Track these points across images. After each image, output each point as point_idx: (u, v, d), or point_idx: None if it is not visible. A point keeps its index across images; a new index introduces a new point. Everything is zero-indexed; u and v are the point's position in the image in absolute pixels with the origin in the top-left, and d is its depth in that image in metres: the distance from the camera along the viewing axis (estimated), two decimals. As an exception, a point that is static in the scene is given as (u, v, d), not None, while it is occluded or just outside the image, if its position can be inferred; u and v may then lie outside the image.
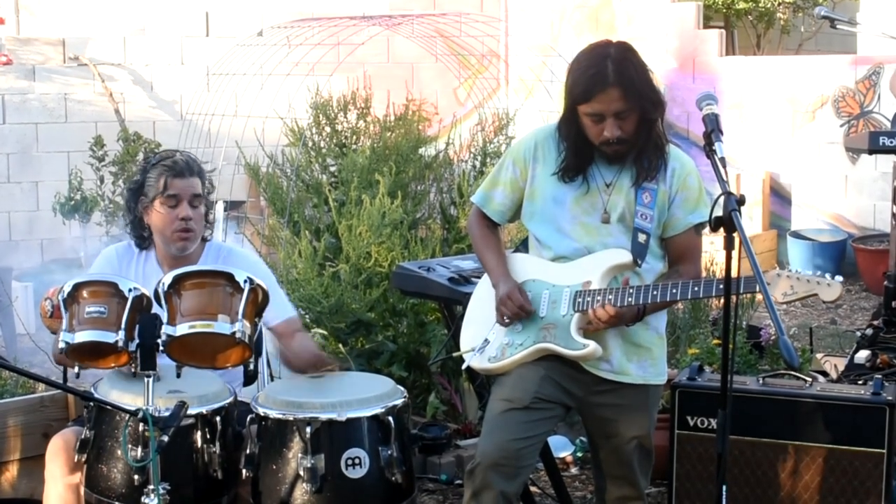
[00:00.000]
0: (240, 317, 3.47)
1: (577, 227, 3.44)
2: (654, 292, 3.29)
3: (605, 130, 3.30)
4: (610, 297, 3.32)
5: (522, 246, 3.68)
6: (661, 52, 10.64)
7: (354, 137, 6.24)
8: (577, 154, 3.40)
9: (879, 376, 4.53)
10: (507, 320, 3.48)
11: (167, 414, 3.24)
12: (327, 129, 6.23)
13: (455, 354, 3.73)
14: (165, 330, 3.34)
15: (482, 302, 3.63)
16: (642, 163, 3.38)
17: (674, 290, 3.27)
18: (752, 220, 10.27)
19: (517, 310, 3.44)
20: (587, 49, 3.39)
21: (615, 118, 3.29)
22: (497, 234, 3.65)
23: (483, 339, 3.53)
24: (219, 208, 5.90)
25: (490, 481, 3.34)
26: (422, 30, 7.94)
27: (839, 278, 3.18)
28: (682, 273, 3.43)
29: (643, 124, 3.34)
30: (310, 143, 6.20)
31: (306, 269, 5.44)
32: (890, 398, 4.05)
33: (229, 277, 3.55)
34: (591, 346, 3.37)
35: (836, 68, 10.03)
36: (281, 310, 3.94)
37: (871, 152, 5.58)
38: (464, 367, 3.63)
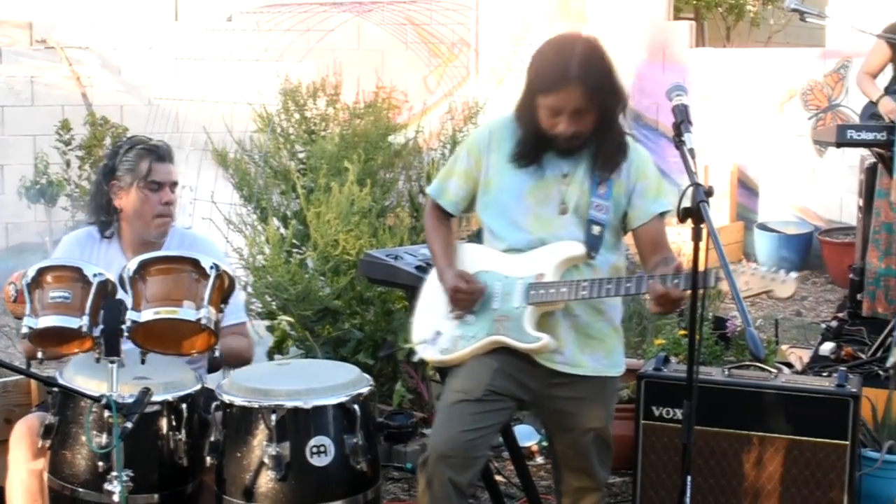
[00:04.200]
0: (205, 303, 3.46)
1: (531, 218, 3.42)
2: (608, 286, 3.28)
3: (559, 125, 3.29)
4: (563, 289, 3.32)
5: (476, 237, 3.66)
6: (631, 43, 10.67)
7: (323, 124, 6.24)
8: (534, 141, 3.37)
9: (844, 368, 4.54)
10: (462, 313, 3.46)
11: (131, 400, 3.23)
12: (296, 115, 6.22)
13: (407, 346, 3.72)
14: (130, 315, 3.32)
15: (433, 292, 3.60)
16: (599, 159, 3.37)
17: (628, 285, 3.27)
18: (719, 211, 10.32)
19: (469, 297, 3.43)
20: (555, 40, 3.37)
21: (572, 114, 3.27)
22: (448, 225, 3.62)
23: (434, 330, 3.51)
24: (185, 194, 5.90)
25: (441, 472, 3.33)
26: (392, 17, 7.92)
27: (794, 274, 3.20)
28: (669, 259, 3.38)
29: (601, 122, 3.32)
30: (278, 130, 6.18)
31: (273, 255, 5.42)
32: (854, 390, 4.09)
33: (195, 263, 3.54)
34: (545, 339, 3.37)
35: (804, 61, 10.10)
36: (234, 313, 3.94)
37: (839, 145, 5.64)
38: (416, 358, 3.61)
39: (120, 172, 3.93)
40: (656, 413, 4.23)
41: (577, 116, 3.27)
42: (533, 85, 3.32)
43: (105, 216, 4.00)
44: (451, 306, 3.48)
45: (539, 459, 5.21)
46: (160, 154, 3.93)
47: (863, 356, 5.50)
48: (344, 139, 5.99)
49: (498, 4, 11.44)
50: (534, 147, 3.38)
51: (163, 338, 3.52)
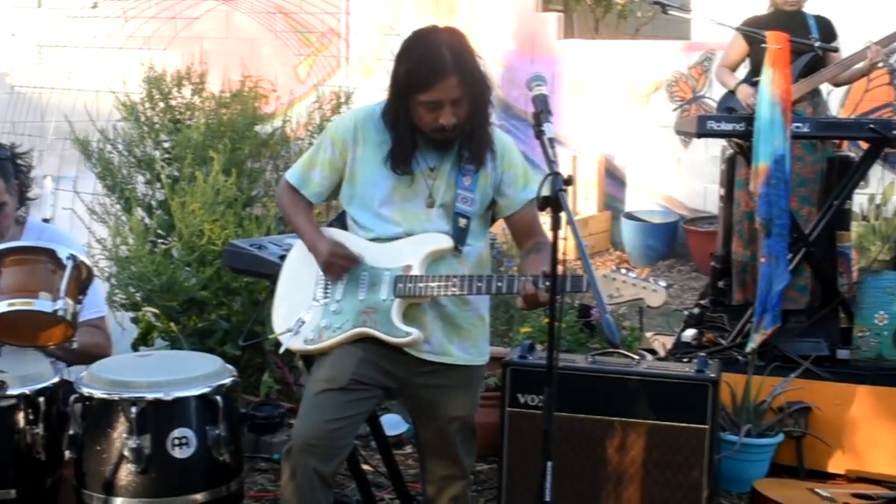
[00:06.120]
0: (62, 294, 3.46)
1: (398, 212, 3.43)
2: (479, 284, 3.31)
3: (440, 118, 3.28)
4: (433, 284, 3.34)
5: (337, 221, 3.64)
6: (501, 34, 10.78)
7: (189, 113, 6.16)
8: (407, 142, 3.37)
9: (703, 354, 4.66)
10: (342, 277, 3.45)
11: (-15, 394, 3.19)
12: (161, 104, 6.13)
13: (271, 336, 3.68)
14: (-16, 308, 3.28)
15: (293, 278, 3.59)
16: (470, 146, 3.39)
17: (499, 284, 3.31)
18: (587, 201, 10.50)
19: (346, 263, 3.43)
20: (418, 36, 3.36)
21: (451, 105, 3.27)
22: (307, 201, 3.59)
23: (297, 319, 3.49)
24: (47, 184, 5.80)
25: (305, 461, 3.33)
26: (261, 6, 7.85)
27: (663, 283, 3.25)
28: (542, 245, 3.43)
29: (474, 111, 3.34)
30: (142, 119, 6.08)
31: (137, 246, 5.36)
32: (713, 375, 4.18)
33: (51, 254, 3.54)
34: (415, 333, 3.38)
35: (670, 54, 10.32)
36: (92, 307, 3.91)
37: (699, 136, 5.70)
38: (281, 350, 3.58)
39: None
40: (521, 400, 4.27)
41: (455, 107, 3.28)
42: (406, 85, 3.29)
43: None
44: (330, 275, 3.46)
45: (408, 448, 5.23)
46: None
47: (723, 342, 5.60)
48: (210, 128, 5.93)
49: (368, -6, 11.47)
50: (407, 149, 3.37)
51: (19, 330, 3.51)
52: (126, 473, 3.38)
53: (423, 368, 3.48)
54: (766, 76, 5.27)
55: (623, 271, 3.27)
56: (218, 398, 3.46)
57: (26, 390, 3.43)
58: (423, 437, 3.67)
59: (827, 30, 6.03)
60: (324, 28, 8.81)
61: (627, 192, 10.60)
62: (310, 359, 3.67)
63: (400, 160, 3.38)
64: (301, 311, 3.50)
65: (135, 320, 5.42)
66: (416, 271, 3.37)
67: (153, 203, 5.92)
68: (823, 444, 4.98)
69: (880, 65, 6.22)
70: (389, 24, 10.21)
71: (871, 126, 5.41)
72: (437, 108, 3.28)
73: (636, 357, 4.43)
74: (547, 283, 3.07)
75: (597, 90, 10.49)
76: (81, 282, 3.62)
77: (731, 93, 6.12)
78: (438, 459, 3.64)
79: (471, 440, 3.63)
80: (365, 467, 4.49)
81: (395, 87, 3.33)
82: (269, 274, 3.97)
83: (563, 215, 2.91)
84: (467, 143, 3.38)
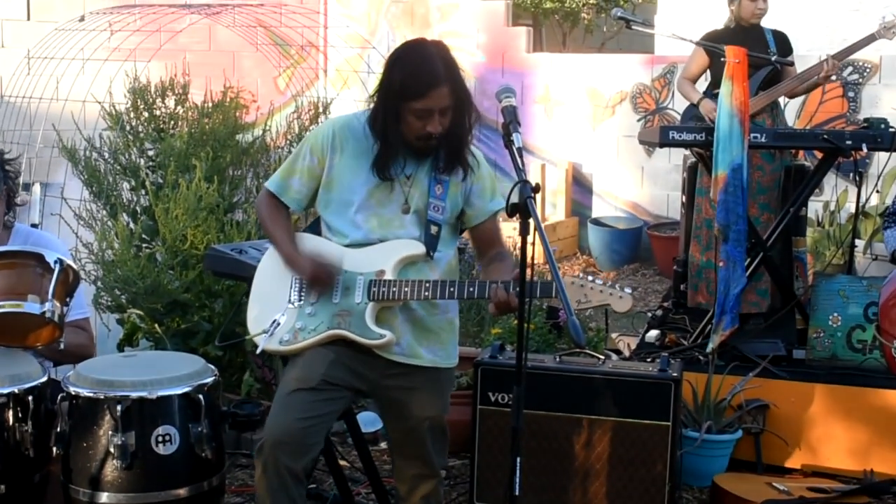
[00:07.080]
0: (50, 297, 3.51)
1: (373, 218, 3.49)
2: (451, 289, 3.38)
3: (428, 126, 3.34)
4: (406, 289, 3.41)
5: (311, 227, 3.70)
6: (472, 48, 10.89)
7: (172, 122, 6.19)
8: (394, 149, 3.41)
9: (666, 354, 4.74)
10: (329, 288, 3.50)
11: (-24, 393, 3.21)
12: (145, 113, 6.17)
13: (247, 338, 3.70)
14: (-25, 310, 3.30)
15: (267, 280, 3.63)
16: (447, 156, 3.46)
17: (471, 289, 3.37)
18: (555, 207, 10.61)
19: (330, 277, 3.47)
20: (409, 47, 3.43)
21: (440, 113, 3.34)
22: (286, 214, 3.64)
23: (272, 321, 3.53)
24: (36, 190, 5.83)
25: (276, 458, 3.37)
26: (242, 19, 7.92)
27: (628, 290, 3.33)
28: (504, 254, 3.53)
29: (457, 120, 3.41)
30: (128, 127, 6.13)
31: (122, 250, 5.38)
32: (675, 374, 4.29)
33: (39, 258, 3.59)
34: (388, 335, 3.44)
35: (634, 66, 10.44)
36: (76, 308, 3.95)
37: (661, 145, 5.76)
38: (258, 351, 3.60)
39: None
40: (492, 398, 4.38)
41: (443, 116, 3.34)
42: (398, 93, 3.34)
43: None
44: (311, 291, 3.50)
45: (383, 444, 5.28)
46: None
47: (685, 342, 5.69)
48: (192, 137, 5.93)
49: (345, 9, 11.55)
50: (391, 155, 3.43)
51: (8, 331, 3.56)
52: (111, 469, 3.43)
53: (393, 370, 3.53)
54: (725, 88, 5.36)
55: (591, 278, 3.33)
56: (200, 397, 3.51)
57: (15, 389, 3.46)
58: (394, 438, 3.72)
59: (783, 44, 6.17)
60: (302, 41, 8.89)
61: (594, 199, 10.71)
62: (288, 359, 3.69)
63: (386, 166, 3.43)
64: (275, 312, 3.54)
65: (120, 322, 5.46)
66: (388, 276, 3.43)
67: (138, 209, 5.90)
68: (780, 440, 5.07)
69: (833, 78, 6.37)
70: (365, 37, 10.33)
71: (825, 136, 5.52)
72: (427, 116, 3.33)
73: (601, 357, 4.50)
74: (517, 288, 3.09)
75: (564, 101, 10.58)
76: (68, 285, 3.67)
77: (694, 105, 6.22)
78: (409, 459, 3.68)
79: (441, 440, 3.66)
80: (342, 463, 4.53)
81: (387, 95, 3.38)
82: (249, 277, 3.94)
83: (531, 221, 3.00)
84: (445, 152, 3.46)
